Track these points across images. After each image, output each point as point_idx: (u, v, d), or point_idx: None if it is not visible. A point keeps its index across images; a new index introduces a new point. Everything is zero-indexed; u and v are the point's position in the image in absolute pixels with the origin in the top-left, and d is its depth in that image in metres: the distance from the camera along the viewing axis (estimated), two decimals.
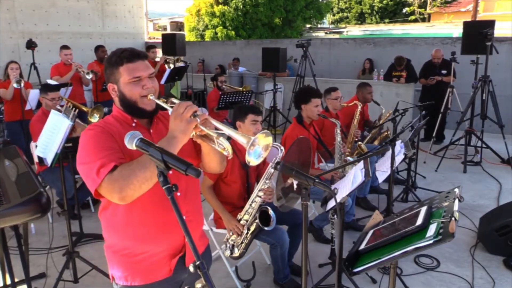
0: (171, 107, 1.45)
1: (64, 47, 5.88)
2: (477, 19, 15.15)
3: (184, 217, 1.57)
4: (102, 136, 1.47)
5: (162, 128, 1.58)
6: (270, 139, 1.34)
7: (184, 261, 1.65)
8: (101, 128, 1.50)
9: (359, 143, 4.21)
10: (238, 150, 2.70)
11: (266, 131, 1.34)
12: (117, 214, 1.55)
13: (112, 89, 1.57)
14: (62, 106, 3.78)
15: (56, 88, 4.17)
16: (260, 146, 1.32)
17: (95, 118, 4.45)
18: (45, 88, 4.05)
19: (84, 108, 4.18)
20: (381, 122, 4.99)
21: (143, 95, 1.52)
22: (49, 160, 2.78)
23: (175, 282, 1.68)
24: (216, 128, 1.38)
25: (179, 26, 24.50)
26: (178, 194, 1.58)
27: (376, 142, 4.87)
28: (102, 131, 1.49)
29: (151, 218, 1.55)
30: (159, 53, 7.89)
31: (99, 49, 6.71)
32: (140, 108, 1.54)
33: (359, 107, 4.45)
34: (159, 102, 1.52)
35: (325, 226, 3.63)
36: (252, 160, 1.31)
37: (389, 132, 4.71)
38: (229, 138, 1.39)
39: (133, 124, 1.58)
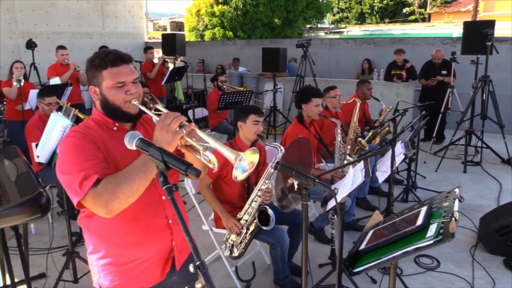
0: (156, 114, 1.43)
1: (60, 47, 5.87)
2: (477, 19, 15.14)
3: (170, 221, 1.58)
4: (84, 144, 1.41)
5: (144, 133, 1.55)
6: (256, 157, 1.31)
7: (174, 264, 1.64)
8: (83, 135, 1.44)
9: (359, 139, 4.21)
10: (239, 149, 2.70)
11: (254, 148, 1.32)
12: (103, 223, 1.49)
13: (93, 91, 1.51)
14: (60, 109, 3.77)
15: (53, 92, 4.16)
16: (245, 161, 1.29)
17: None
18: (42, 93, 4.07)
19: (81, 116, 4.18)
20: (381, 117, 4.99)
21: (127, 100, 1.47)
22: (42, 159, 2.78)
23: (163, 287, 1.66)
24: (202, 140, 1.35)
25: (179, 26, 24.49)
26: (163, 198, 1.57)
27: (377, 139, 4.87)
28: (83, 138, 1.43)
29: (138, 225, 1.52)
30: (159, 53, 7.89)
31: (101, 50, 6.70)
32: (124, 112, 1.49)
33: (358, 104, 4.46)
34: (143, 108, 1.49)
35: (326, 226, 3.63)
36: (239, 174, 1.30)
37: (390, 127, 4.70)
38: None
39: (115, 128, 1.53)
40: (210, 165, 1.30)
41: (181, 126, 1.34)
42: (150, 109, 1.49)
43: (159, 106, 1.52)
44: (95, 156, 1.40)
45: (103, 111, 1.53)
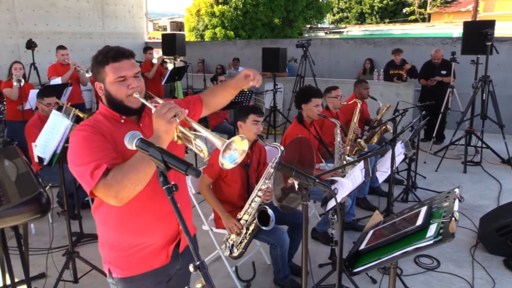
0: (155, 106, 1.46)
1: (61, 47, 5.88)
2: (477, 19, 15.14)
3: (178, 206, 1.62)
4: (94, 136, 1.47)
5: (150, 122, 1.59)
6: (246, 144, 1.32)
7: (179, 248, 1.70)
8: (92, 128, 1.50)
9: (359, 140, 4.21)
10: None
11: (242, 135, 1.34)
12: (112, 210, 1.55)
13: (99, 87, 1.58)
14: (60, 108, 3.77)
15: (53, 93, 4.17)
16: (236, 151, 1.31)
17: None
18: (42, 93, 4.09)
19: (80, 114, 4.18)
20: (379, 116, 4.99)
21: (129, 94, 1.53)
22: (47, 159, 2.78)
23: (167, 273, 1.71)
24: (195, 130, 1.39)
25: (179, 26, 24.49)
26: (172, 183, 1.61)
27: (375, 138, 4.87)
28: (93, 131, 1.49)
29: (146, 211, 1.58)
30: (159, 53, 7.89)
31: None
32: (126, 107, 1.55)
33: (359, 105, 4.46)
34: (144, 101, 1.54)
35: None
36: (226, 163, 1.31)
37: (387, 126, 4.70)
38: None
39: (122, 121, 1.59)
40: (201, 154, 1.34)
41: (175, 116, 1.38)
42: (151, 102, 1.54)
43: (158, 99, 1.56)
44: (104, 147, 1.46)
45: (109, 105, 1.59)
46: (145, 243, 1.62)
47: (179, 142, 1.42)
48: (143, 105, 1.57)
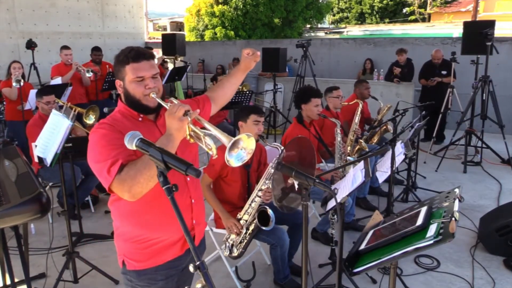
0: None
1: (65, 47, 5.90)
2: (477, 19, 15.14)
3: (193, 201, 1.70)
4: (112, 134, 1.53)
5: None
6: (253, 142, 1.35)
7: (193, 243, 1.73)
8: (110, 126, 1.56)
9: (360, 140, 4.21)
10: None
11: (249, 133, 1.36)
12: (129, 204, 1.60)
13: (119, 85, 1.65)
14: (61, 108, 3.78)
15: (52, 91, 4.17)
16: (244, 150, 1.34)
17: (90, 120, 4.41)
18: (40, 92, 4.10)
19: (79, 110, 4.17)
20: (379, 116, 4.99)
21: (146, 94, 1.59)
22: (48, 160, 2.78)
23: (179, 267, 1.74)
24: (204, 128, 1.43)
25: (179, 26, 24.49)
26: (188, 179, 1.68)
27: (375, 138, 4.87)
28: (111, 129, 1.55)
29: (162, 206, 1.62)
30: (159, 53, 7.89)
31: (93, 52, 6.52)
32: (143, 105, 1.61)
33: (360, 105, 4.46)
34: (160, 101, 1.58)
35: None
36: (232, 160, 1.33)
37: (388, 126, 4.70)
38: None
39: (140, 119, 1.65)
40: (210, 152, 1.38)
41: (186, 114, 1.42)
42: (166, 102, 1.58)
43: (174, 99, 1.60)
44: (121, 144, 1.50)
45: (127, 103, 1.65)
46: (159, 238, 1.66)
47: (191, 140, 1.46)
48: (160, 105, 1.62)
